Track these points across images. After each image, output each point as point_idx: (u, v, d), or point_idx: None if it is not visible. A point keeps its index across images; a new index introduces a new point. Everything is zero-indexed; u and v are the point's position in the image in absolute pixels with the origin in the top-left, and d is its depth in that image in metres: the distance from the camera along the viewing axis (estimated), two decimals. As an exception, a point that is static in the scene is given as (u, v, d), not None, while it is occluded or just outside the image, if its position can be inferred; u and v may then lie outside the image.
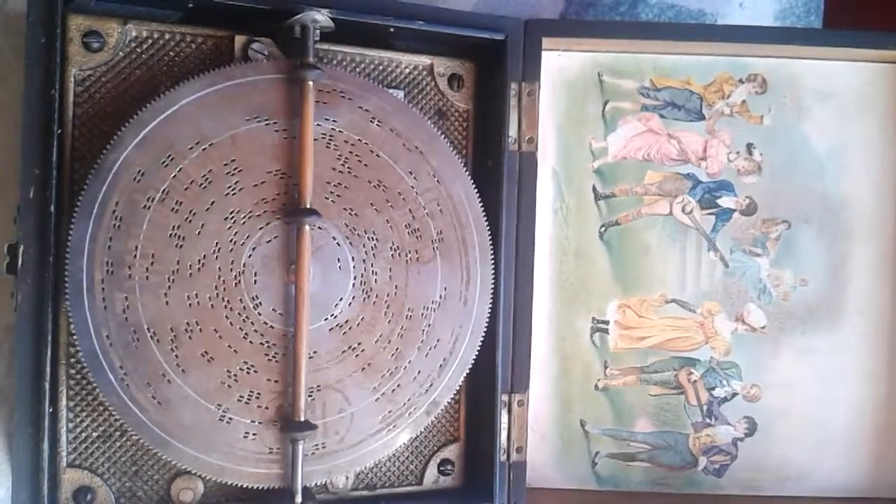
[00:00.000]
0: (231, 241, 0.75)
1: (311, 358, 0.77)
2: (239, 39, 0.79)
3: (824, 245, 0.95)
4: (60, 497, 0.75)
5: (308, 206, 0.76)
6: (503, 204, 0.86)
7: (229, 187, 0.75)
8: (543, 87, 0.89)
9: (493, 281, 0.84)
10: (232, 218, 0.75)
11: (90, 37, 0.76)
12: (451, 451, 0.89)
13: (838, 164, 0.95)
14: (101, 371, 0.72)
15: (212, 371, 0.75)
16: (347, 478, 0.84)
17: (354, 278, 0.79)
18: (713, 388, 0.95)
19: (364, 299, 0.80)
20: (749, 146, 0.94)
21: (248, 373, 0.76)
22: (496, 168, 0.86)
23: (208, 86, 0.74)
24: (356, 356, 0.80)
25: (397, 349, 0.81)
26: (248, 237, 0.76)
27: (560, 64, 0.94)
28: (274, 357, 0.77)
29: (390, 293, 0.81)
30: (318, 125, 0.78)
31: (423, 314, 0.82)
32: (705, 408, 0.95)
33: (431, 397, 0.82)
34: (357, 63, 0.85)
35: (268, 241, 0.76)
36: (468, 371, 0.84)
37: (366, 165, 0.80)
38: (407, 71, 0.88)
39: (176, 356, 0.74)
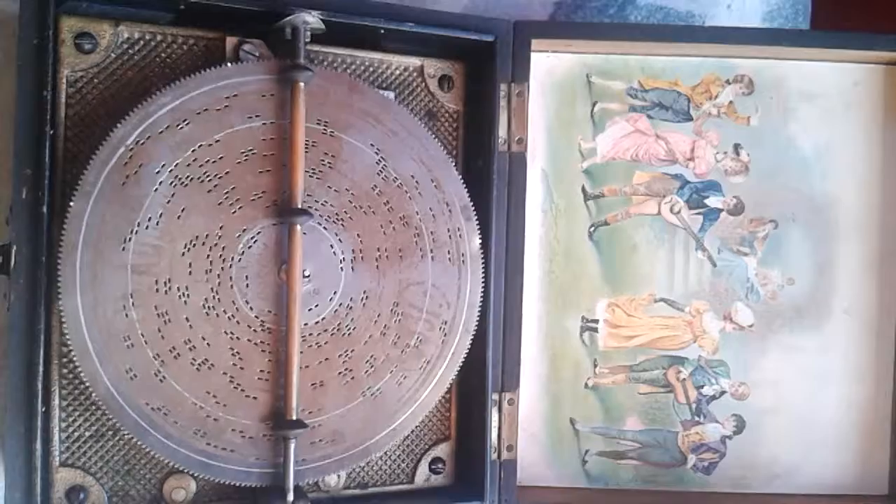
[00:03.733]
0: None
1: (302, 355, 0.78)
2: (230, 41, 0.79)
3: (811, 244, 0.96)
4: (53, 496, 0.76)
5: (299, 206, 0.76)
6: (493, 204, 0.86)
7: (221, 188, 0.76)
8: (533, 88, 0.90)
9: (482, 281, 0.85)
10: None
11: (82, 38, 0.76)
12: (442, 450, 0.89)
13: (825, 163, 0.96)
14: (94, 370, 0.72)
15: (203, 369, 0.75)
16: (339, 476, 0.85)
17: (345, 277, 0.80)
18: (702, 387, 0.95)
19: (354, 298, 0.80)
20: (736, 146, 0.95)
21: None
22: (486, 168, 0.87)
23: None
24: (347, 355, 0.80)
25: (387, 348, 0.81)
26: (239, 237, 0.76)
27: (549, 65, 0.94)
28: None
29: (380, 292, 0.81)
30: (309, 125, 0.78)
31: (413, 314, 0.82)
32: (694, 406, 0.95)
33: (422, 396, 0.83)
34: (347, 64, 0.86)
35: (259, 241, 0.77)
36: (458, 370, 0.84)
37: (355, 166, 0.80)
38: (397, 72, 0.88)
39: (168, 355, 0.74)
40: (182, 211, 0.74)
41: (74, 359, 0.72)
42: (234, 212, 0.76)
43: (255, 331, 0.77)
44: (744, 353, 0.96)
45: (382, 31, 0.83)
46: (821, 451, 0.96)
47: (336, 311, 0.80)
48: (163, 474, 0.79)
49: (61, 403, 0.76)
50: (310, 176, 0.78)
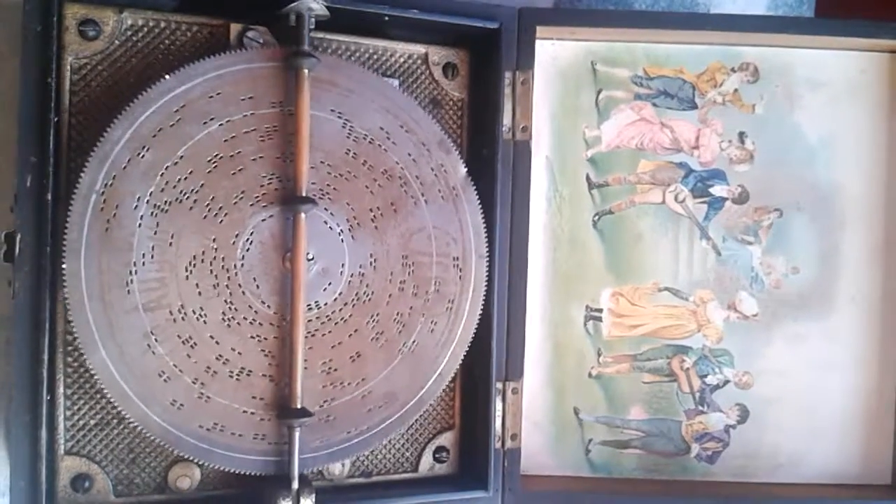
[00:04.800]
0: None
1: (330, 334, 0.79)
2: (234, 28, 0.79)
3: (816, 233, 0.95)
4: (58, 484, 0.76)
5: (304, 194, 0.76)
6: (497, 192, 0.86)
7: (201, 201, 0.75)
8: (537, 75, 0.90)
9: (487, 269, 0.85)
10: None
11: (86, 25, 0.76)
12: (446, 439, 0.90)
13: (830, 152, 0.95)
14: (141, 413, 0.73)
15: (208, 357, 0.75)
16: (343, 465, 0.85)
17: (348, 248, 0.80)
18: (705, 376, 0.95)
19: (363, 265, 0.80)
20: (741, 135, 0.95)
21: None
22: (490, 157, 0.87)
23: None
24: (374, 320, 0.81)
25: (410, 301, 0.82)
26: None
27: (554, 53, 0.94)
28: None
29: (386, 251, 0.81)
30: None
31: (424, 261, 0.82)
32: (698, 395, 0.95)
33: (456, 335, 0.84)
34: (352, 52, 0.85)
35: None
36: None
37: (323, 136, 0.79)
38: (402, 60, 0.88)
39: (205, 375, 0.75)
40: (172, 237, 0.74)
41: (119, 407, 0.73)
42: (221, 220, 0.75)
43: (279, 326, 0.77)
44: (748, 343, 0.95)
45: (387, 18, 0.82)
46: (824, 440, 0.96)
47: (350, 282, 0.80)
48: (168, 462, 0.79)
49: (66, 392, 0.76)
50: (283, 161, 0.77)
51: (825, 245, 0.96)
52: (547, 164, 0.94)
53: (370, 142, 0.81)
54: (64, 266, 0.71)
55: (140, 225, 0.73)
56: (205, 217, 0.75)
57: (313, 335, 0.79)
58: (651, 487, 0.94)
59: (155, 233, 0.73)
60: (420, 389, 0.83)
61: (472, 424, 0.89)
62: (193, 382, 0.75)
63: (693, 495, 0.93)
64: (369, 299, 0.81)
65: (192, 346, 0.75)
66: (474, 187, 0.84)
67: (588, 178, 0.95)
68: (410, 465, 0.88)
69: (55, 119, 0.73)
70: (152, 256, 0.73)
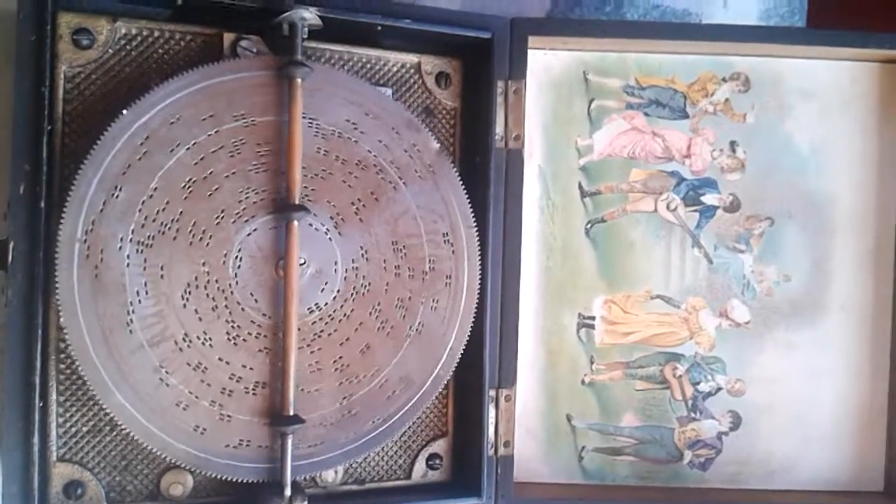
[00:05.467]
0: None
1: (336, 332, 0.80)
2: (228, 37, 0.80)
3: (807, 241, 0.96)
4: (51, 491, 0.76)
5: (297, 202, 0.76)
6: (490, 201, 0.87)
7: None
8: (529, 85, 0.91)
9: (480, 277, 0.85)
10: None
11: (80, 34, 0.76)
12: (439, 446, 0.90)
13: (821, 161, 0.96)
14: (167, 444, 0.74)
15: (221, 378, 0.76)
16: (336, 472, 0.85)
17: (337, 245, 0.80)
18: (698, 383, 0.96)
19: (356, 259, 0.81)
20: (732, 144, 0.95)
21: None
22: (483, 165, 0.87)
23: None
24: (376, 310, 0.81)
25: (408, 284, 0.82)
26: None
27: (546, 62, 0.94)
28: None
29: (375, 241, 0.81)
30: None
31: (414, 242, 0.83)
32: (690, 402, 0.96)
33: (460, 309, 0.84)
34: (345, 61, 0.86)
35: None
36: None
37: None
38: (395, 69, 0.88)
39: (222, 396, 0.76)
40: (162, 269, 0.74)
41: (146, 443, 0.74)
42: (207, 243, 0.76)
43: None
44: (740, 350, 0.96)
45: (380, 28, 0.83)
46: (817, 447, 0.96)
47: (346, 278, 0.80)
48: (160, 469, 0.79)
49: (59, 399, 0.76)
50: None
51: (816, 253, 0.96)
52: (539, 172, 0.95)
53: (339, 136, 0.80)
54: (62, 320, 0.71)
55: (128, 264, 0.73)
56: (190, 243, 0.75)
57: (320, 336, 0.80)
58: (644, 494, 0.94)
59: (144, 269, 0.74)
60: (434, 368, 0.84)
61: (466, 432, 0.89)
62: (212, 405, 0.76)
63: (686, 502, 0.93)
64: (368, 291, 0.81)
65: (203, 371, 0.76)
66: (450, 161, 0.85)
67: (580, 186, 0.95)
68: (403, 472, 0.89)
69: (49, 127, 0.73)
70: (147, 292, 0.74)
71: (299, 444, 0.78)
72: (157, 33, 0.79)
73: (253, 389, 0.77)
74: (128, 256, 0.73)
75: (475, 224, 0.85)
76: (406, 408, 0.83)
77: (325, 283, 0.80)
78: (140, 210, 0.73)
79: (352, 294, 0.81)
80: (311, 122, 0.79)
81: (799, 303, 0.96)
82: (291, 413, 0.76)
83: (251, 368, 0.77)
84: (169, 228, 0.74)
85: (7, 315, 0.72)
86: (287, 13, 0.76)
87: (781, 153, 0.96)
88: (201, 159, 0.75)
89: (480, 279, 0.85)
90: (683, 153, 0.96)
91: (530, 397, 0.95)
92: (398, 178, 0.82)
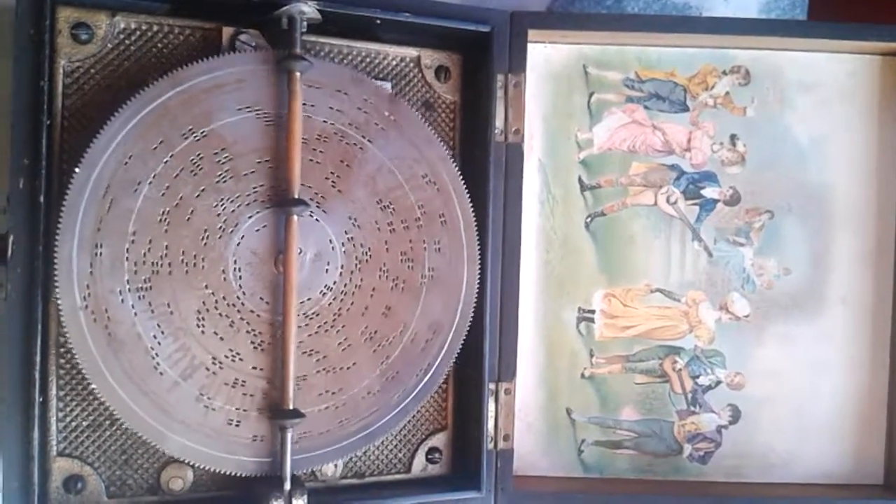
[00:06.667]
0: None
1: (339, 324, 0.80)
2: (226, 31, 0.80)
3: (807, 234, 0.96)
4: (51, 486, 0.76)
5: (296, 196, 0.76)
6: (490, 194, 0.86)
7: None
8: (529, 78, 0.90)
9: (479, 271, 0.85)
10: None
11: (79, 28, 0.76)
12: (438, 440, 0.90)
13: (821, 154, 0.96)
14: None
15: (262, 386, 0.77)
16: (336, 466, 0.85)
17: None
18: (698, 377, 0.96)
19: (348, 231, 0.81)
20: (732, 137, 0.95)
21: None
22: (483, 159, 0.87)
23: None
24: (376, 302, 0.82)
25: (405, 235, 0.83)
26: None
27: (546, 56, 0.94)
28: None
29: (362, 206, 0.81)
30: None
31: (398, 193, 0.82)
32: (690, 396, 0.96)
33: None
34: (344, 55, 0.86)
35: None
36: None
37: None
38: (394, 63, 0.88)
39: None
40: (169, 306, 0.74)
41: (215, 468, 0.76)
42: (203, 266, 0.76)
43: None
44: (740, 343, 0.96)
45: (379, 22, 0.83)
46: (816, 440, 0.96)
47: (345, 252, 0.81)
48: (160, 464, 0.79)
49: (59, 393, 0.76)
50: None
51: (816, 246, 0.96)
52: (539, 166, 0.95)
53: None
54: (95, 388, 0.72)
55: (136, 313, 0.73)
56: (187, 272, 0.75)
57: (339, 314, 0.81)
58: (643, 488, 0.95)
59: (153, 311, 0.74)
60: (457, 305, 0.84)
61: (465, 425, 0.90)
62: (260, 413, 0.77)
63: (685, 495, 0.93)
64: (370, 256, 0.81)
65: (242, 385, 0.77)
66: (407, 102, 0.85)
67: (580, 180, 0.95)
68: (403, 465, 0.89)
69: (48, 122, 0.73)
70: (163, 332, 0.74)
71: (351, 417, 0.80)
72: (156, 27, 0.79)
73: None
74: (132, 306, 0.73)
75: (450, 155, 0.85)
76: (443, 351, 0.84)
77: (328, 264, 0.80)
78: (127, 258, 0.73)
79: (356, 265, 0.81)
80: (256, 113, 0.77)
81: (799, 296, 0.96)
82: (291, 407, 0.76)
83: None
84: (161, 266, 0.74)
85: (6, 309, 0.72)
86: (286, 7, 0.76)
87: (781, 146, 0.96)
88: (167, 188, 0.74)
89: (475, 311, 0.85)
90: (683, 146, 0.95)
91: (530, 391, 0.95)
92: (362, 138, 0.81)
